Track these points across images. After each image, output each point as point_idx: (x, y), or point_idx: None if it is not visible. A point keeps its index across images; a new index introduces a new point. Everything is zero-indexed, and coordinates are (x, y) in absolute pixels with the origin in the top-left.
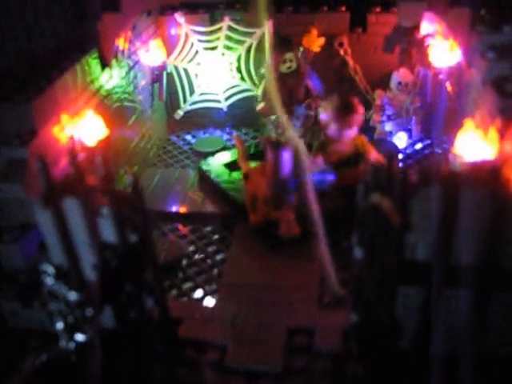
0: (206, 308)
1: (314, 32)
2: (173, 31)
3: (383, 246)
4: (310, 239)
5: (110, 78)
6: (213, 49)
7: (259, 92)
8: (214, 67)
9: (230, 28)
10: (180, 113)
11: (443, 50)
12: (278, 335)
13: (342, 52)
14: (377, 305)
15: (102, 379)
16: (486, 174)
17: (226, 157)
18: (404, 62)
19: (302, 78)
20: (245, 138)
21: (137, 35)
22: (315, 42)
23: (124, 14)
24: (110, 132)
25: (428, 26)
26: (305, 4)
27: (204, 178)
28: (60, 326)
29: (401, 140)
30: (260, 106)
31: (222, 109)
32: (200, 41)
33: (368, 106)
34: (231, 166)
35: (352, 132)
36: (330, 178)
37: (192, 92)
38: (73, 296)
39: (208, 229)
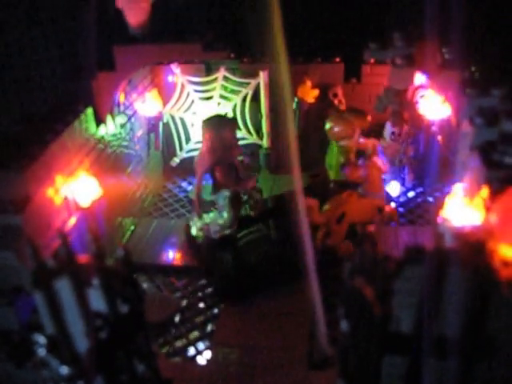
0: (198, 368)
1: (308, 83)
2: (170, 78)
3: (367, 325)
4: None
5: (107, 132)
6: (208, 99)
7: (254, 140)
8: None
9: (225, 78)
10: (176, 160)
11: (435, 103)
12: None
13: (336, 102)
14: (363, 373)
15: None
16: (470, 251)
17: None
18: (395, 123)
19: None
20: None
21: (133, 87)
22: (309, 93)
23: (119, 73)
24: (108, 182)
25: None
26: (300, 54)
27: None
28: None
29: (393, 189)
30: None
31: None
32: (196, 91)
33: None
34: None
35: None
36: None
37: (188, 140)
38: (64, 370)
39: (201, 282)
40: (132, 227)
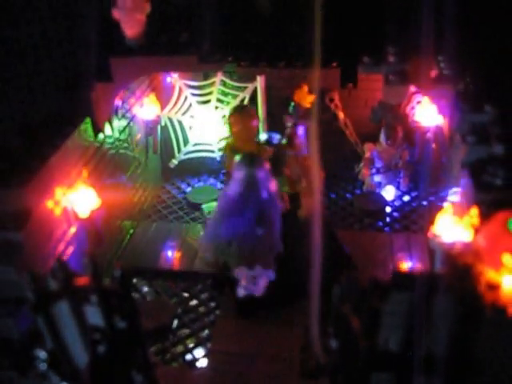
0: (194, 376)
1: (305, 88)
2: (168, 79)
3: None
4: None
5: (106, 136)
6: (206, 102)
7: None
8: (207, 120)
9: (222, 82)
10: (175, 162)
11: (430, 110)
12: None
13: (332, 107)
14: None
15: None
16: (457, 276)
17: None
18: (389, 136)
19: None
20: None
21: (131, 92)
22: (306, 98)
23: (116, 83)
24: (107, 186)
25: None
26: (297, 59)
27: None
28: None
29: (389, 193)
30: None
31: (215, 158)
32: (193, 94)
33: (358, 158)
34: None
35: None
36: None
37: (186, 142)
38: None
39: (199, 287)
40: (131, 230)
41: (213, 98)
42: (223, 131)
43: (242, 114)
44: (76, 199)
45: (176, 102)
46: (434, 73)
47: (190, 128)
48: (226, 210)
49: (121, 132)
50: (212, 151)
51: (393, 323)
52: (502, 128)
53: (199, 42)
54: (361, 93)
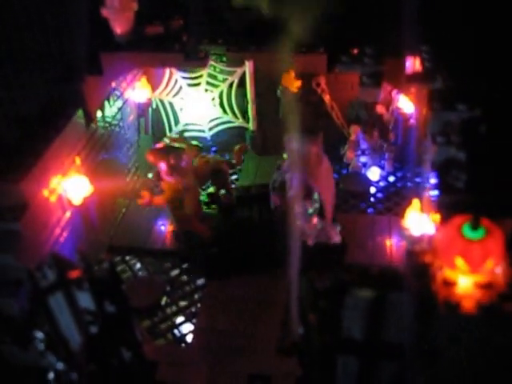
0: (180, 351)
1: (292, 73)
2: None
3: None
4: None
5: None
6: (196, 85)
7: (240, 123)
8: (197, 102)
9: (212, 67)
10: (166, 140)
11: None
12: (240, 383)
13: (319, 90)
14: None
15: None
16: (414, 273)
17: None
18: (366, 132)
19: None
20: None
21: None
22: (293, 83)
23: (106, 77)
24: (101, 170)
25: None
26: (284, 45)
27: None
28: (51, 375)
29: (374, 174)
30: None
31: (205, 137)
32: (183, 77)
33: (344, 140)
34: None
35: None
36: None
37: (177, 123)
38: (60, 366)
39: (186, 265)
40: (123, 209)
41: (203, 81)
42: (213, 112)
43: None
44: (69, 187)
45: (167, 85)
46: (408, 72)
47: (181, 109)
48: None
49: (113, 116)
50: (202, 131)
51: (355, 315)
52: (468, 131)
53: (184, 41)
54: (347, 76)
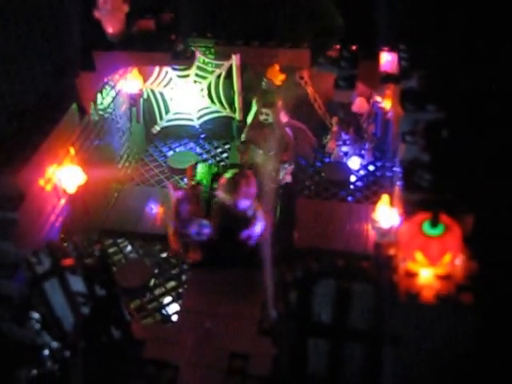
0: (166, 331)
1: (276, 66)
2: None
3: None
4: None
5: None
6: (185, 76)
7: (227, 113)
8: (187, 92)
9: (201, 60)
10: (157, 128)
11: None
12: (221, 360)
13: (302, 83)
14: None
15: None
16: (378, 265)
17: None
18: (343, 129)
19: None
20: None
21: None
22: (277, 77)
23: (98, 73)
24: (94, 157)
25: None
26: (270, 39)
27: None
28: (46, 352)
29: (354, 163)
30: None
31: (194, 126)
32: (174, 69)
33: (326, 131)
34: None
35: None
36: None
37: (167, 111)
38: (54, 344)
39: None
40: (115, 194)
41: (192, 72)
42: (201, 102)
43: None
44: (64, 176)
45: (157, 76)
46: (381, 73)
47: (171, 99)
48: None
49: (106, 107)
50: (191, 119)
51: (323, 302)
52: (432, 132)
53: (172, 40)
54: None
